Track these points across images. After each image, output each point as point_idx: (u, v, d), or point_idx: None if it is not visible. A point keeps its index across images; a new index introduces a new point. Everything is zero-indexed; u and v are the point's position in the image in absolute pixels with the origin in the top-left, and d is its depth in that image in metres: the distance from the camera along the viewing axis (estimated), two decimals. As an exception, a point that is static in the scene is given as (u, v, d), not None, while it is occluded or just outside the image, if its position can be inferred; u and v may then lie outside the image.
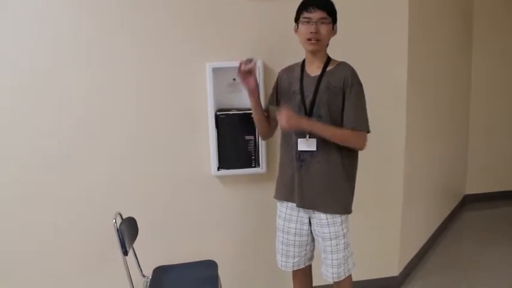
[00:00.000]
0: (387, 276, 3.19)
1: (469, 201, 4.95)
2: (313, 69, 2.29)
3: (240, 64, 2.33)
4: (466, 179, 4.96)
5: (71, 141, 2.70)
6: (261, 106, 2.44)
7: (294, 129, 2.25)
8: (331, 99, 2.23)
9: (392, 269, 3.21)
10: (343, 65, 2.29)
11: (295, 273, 2.52)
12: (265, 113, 2.48)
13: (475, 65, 4.77)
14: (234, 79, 2.76)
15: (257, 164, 2.80)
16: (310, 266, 2.53)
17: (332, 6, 2.25)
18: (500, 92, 4.93)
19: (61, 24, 2.61)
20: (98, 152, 2.73)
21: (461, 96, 4.63)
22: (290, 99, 2.32)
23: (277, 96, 2.43)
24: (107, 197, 2.76)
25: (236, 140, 2.76)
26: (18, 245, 2.74)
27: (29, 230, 2.74)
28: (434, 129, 3.85)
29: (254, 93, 2.38)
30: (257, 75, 2.41)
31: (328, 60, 2.29)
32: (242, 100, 2.79)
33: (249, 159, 2.79)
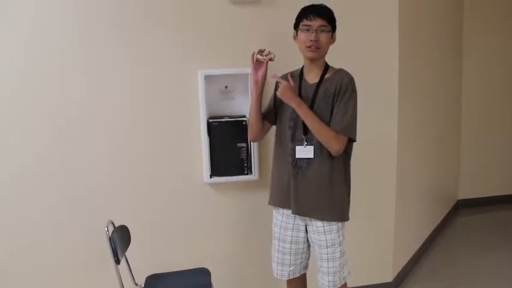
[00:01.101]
0: (381, 282, 3.19)
1: (461, 206, 4.96)
2: (312, 77, 2.30)
3: (253, 53, 2.33)
4: (458, 184, 4.97)
5: (63, 148, 2.69)
6: (260, 103, 2.40)
7: (285, 101, 2.25)
8: (328, 106, 2.23)
9: (386, 275, 3.21)
10: (341, 72, 2.29)
11: (290, 281, 2.51)
12: (260, 103, 2.42)
13: (466, 69, 4.79)
14: (226, 86, 2.77)
15: (249, 171, 2.80)
16: (304, 275, 2.52)
17: (332, 14, 2.26)
18: (491, 96, 4.95)
19: (53, 30, 2.61)
20: (89, 160, 2.72)
21: (452, 101, 4.65)
22: (288, 106, 2.30)
23: (275, 102, 2.41)
24: (98, 205, 2.75)
25: (228, 147, 2.76)
26: (6, 251, 2.73)
27: (16, 234, 2.72)
28: (426, 135, 3.87)
29: (259, 84, 2.35)
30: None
31: (327, 67, 2.30)
32: (234, 107, 2.80)
33: (241, 166, 2.79)
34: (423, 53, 3.61)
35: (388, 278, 3.21)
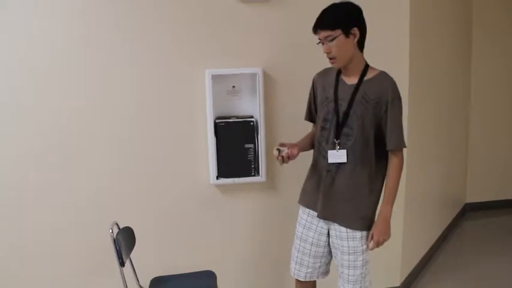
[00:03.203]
0: (389, 286, 3.16)
1: (469, 210, 4.92)
2: (350, 77, 2.19)
3: (278, 157, 2.17)
4: (466, 187, 4.93)
5: (67, 148, 2.66)
6: (304, 146, 2.33)
7: (387, 234, 2.22)
8: (365, 112, 2.13)
9: (394, 279, 3.17)
10: (382, 75, 2.17)
11: (299, 283, 2.44)
12: (310, 143, 2.36)
13: (475, 72, 4.75)
14: (233, 86, 2.74)
15: (257, 173, 2.76)
16: (314, 283, 2.45)
17: (333, 19, 2.10)
18: (500, 101, 4.92)
19: (58, 30, 2.58)
20: (94, 161, 2.70)
21: (460, 104, 4.63)
22: (322, 105, 2.24)
23: (315, 101, 2.33)
24: (103, 207, 2.72)
25: (235, 148, 2.73)
26: (11, 254, 2.70)
27: (21, 237, 2.69)
28: (435, 138, 3.83)
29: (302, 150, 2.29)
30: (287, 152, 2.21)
31: (366, 68, 2.18)
32: (242, 108, 2.77)
33: (248, 167, 2.75)
34: (432, 57, 3.57)
35: (396, 282, 3.18)
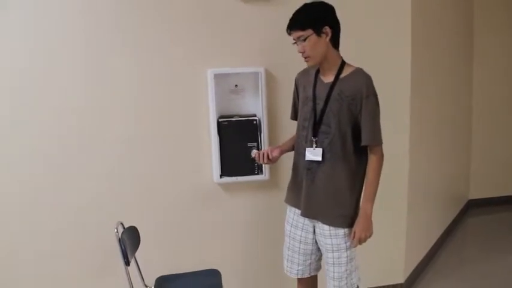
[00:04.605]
0: (393, 283, 3.16)
1: (472, 206, 4.93)
2: (327, 76, 2.22)
3: (255, 158, 2.33)
4: (469, 184, 4.94)
5: (70, 148, 2.67)
6: (288, 147, 2.42)
7: (369, 231, 2.23)
8: (341, 109, 2.16)
9: (398, 276, 3.17)
10: (358, 72, 2.19)
11: (300, 281, 2.48)
12: (292, 145, 2.42)
13: (477, 70, 4.77)
14: (236, 85, 2.74)
15: (260, 171, 2.77)
16: (315, 277, 2.48)
17: (304, 20, 2.13)
18: (502, 98, 4.93)
19: (58, 30, 2.59)
20: (97, 161, 2.70)
21: (463, 101, 4.63)
22: (303, 104, 2.28)
23: (299, 100, 2.36)
24: (108, 206, 2.73)
25: (238, 146, 2.73)
26: (16, 254, 2.71)
27: (26, 238, 2.70)
28: (438, 135, 3.83)
29: (279, 156, 2.38)
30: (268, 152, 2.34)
31: (342, 65, 2.21)
32: (244, 106, 2.77)
33: (251, 166, 2.75)
34: (435, 56, 3.59)
35: (400, 279, 3.18)
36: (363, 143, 2.17)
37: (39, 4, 2.55)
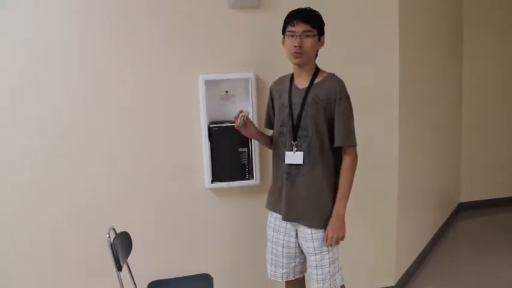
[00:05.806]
0: (384, 286, 3.18)
1: (463, 209, 4.95)
2: (301, 82, 2.29)
3: (235, 119, 2.36)
4: (460, 187, 4.97)
5: (63, 155, 2.68)
6: (263, 137, 2.50)
7: (342, 231, 2.24)
8: (317, 112, 2.22)
9: (389, 278, 3.19)
10: (331, 77, 2.27)
11: (288, 284, 2.49)
12: (266, 137, 2.51)
13: (466, 71, 4.79)
14: (226, 91, 2.77)
15: (251, 176, 2.79)
16: (303, 279, 2.50)
17: (317, 18, 2.23)
18: (492, 100, 4.96)
19: (57, 31, 2.60)
20: (89, 166, 2.71)
21: (453, 103, 4.65)
22: (279, 111, 2.34)
23: (274, 109, 2.43)
24: (99, 211, 2.73)
25: (229, 152, 2.76)
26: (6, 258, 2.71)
27: (23, 238, 2.70)
28: (428, 138, 3.86)
29: (255, 137, 2.48)
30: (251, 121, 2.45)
31: (317, 72, 2.28)
32: (235, 112, 2.77)
33: (242, 171, 2.78)
34: (424, 57, 3.61)
35: (391, 281, 3.20)
36: (336, 144, 2.23)
37: (39, 4, 2.57)
